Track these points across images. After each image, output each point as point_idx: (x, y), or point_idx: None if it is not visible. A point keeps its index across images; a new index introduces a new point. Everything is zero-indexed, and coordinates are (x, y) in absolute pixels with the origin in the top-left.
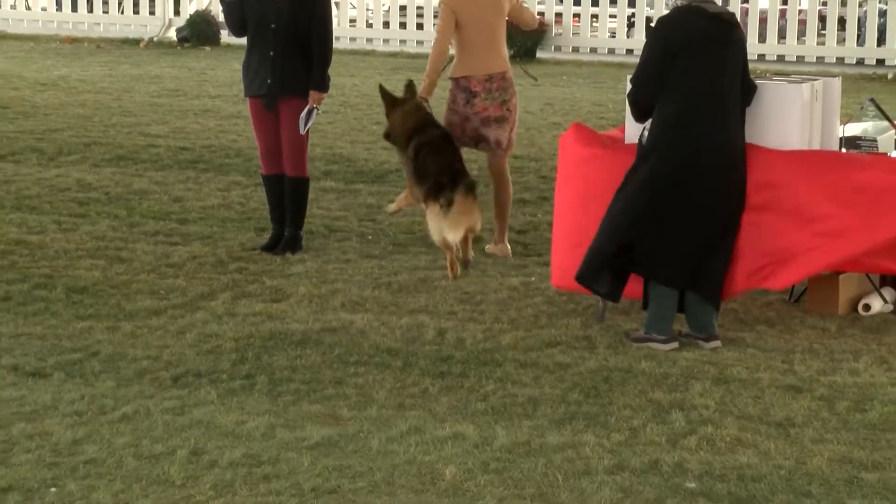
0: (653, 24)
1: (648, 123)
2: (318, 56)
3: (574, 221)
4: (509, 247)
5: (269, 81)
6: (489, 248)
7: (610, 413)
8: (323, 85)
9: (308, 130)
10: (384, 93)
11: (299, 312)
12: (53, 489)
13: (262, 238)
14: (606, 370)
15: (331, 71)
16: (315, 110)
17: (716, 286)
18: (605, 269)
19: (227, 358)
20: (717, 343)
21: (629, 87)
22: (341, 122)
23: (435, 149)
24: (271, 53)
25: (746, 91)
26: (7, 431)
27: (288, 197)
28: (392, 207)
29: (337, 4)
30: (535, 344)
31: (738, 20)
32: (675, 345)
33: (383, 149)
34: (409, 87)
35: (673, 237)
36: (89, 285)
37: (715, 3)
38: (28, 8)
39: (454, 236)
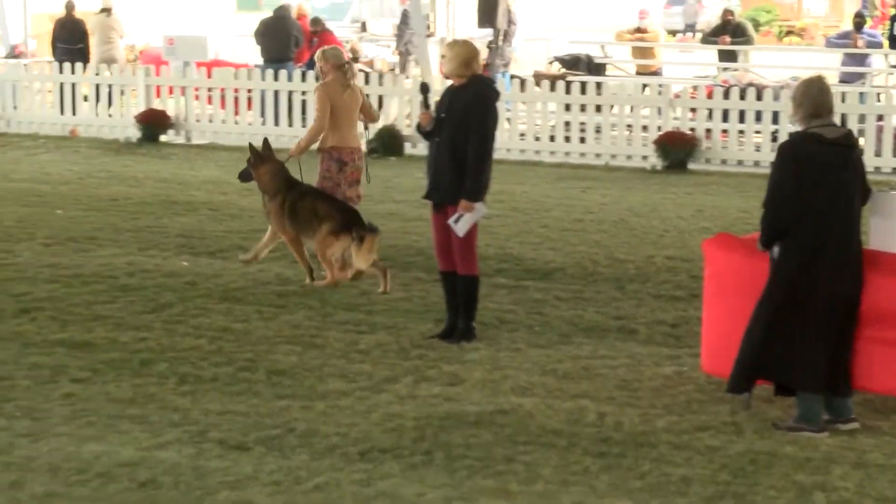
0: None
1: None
2: (471, 168)
3: (721, 314)
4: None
5: (433, 189)
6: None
7: (756, 493)
8: (472, 194)
9: (474, 232)
10: (252, 149)
11: (474, 395)
12: None
13: (441, 328)
14: (753, 453)
15: (502, 180)
16: (467, 215)
17: (849, 381)
18: (751, 379)
19: (409, 436)
20: (855, 424)
21: (763, 211)
22: (511, 224)
23: (321, 195)
24: (435, 164)
25: (864, 195)
26: (214, 499)
27: (460, 293)
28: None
29: (509, 120)
30: (687, 428)
31: (857, 140)
32: (826, 434)
33: (549, 249)
34: (266, 143)
35: (805, 346)
36: (287, 368)
37: (834, 126)
38: (236, 123)
39: (364, 264)
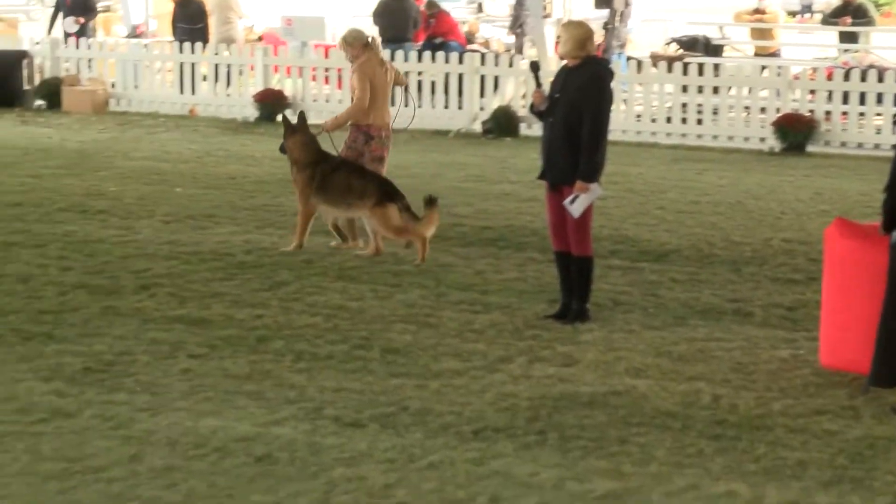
0: None
1: None
2: (586, 148)
3: (841, 306)
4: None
5: (547, 170)
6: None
7: (874, 478)
8: (587, 175)
9: (589, 212)
10: (284, 120)
11: (587, 376)
12: None
13: (555, 308)
14: (871, 438)
15: (617, 161)
16: (582, 196)
17: None
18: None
19: (522, 415)
20: None
21: (884, 196)
22: (627, 206)
23: (354, 169)
24: (549, 144)
25: None
26: (329, 475)
27: (574, 274)
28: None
29: (625, 101)
30: (803, 411)
31: None
32: None
33: (665, 231)
34: (301, 115)
35: None
36: (401, 347)
37: None
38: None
39: (428, 235)
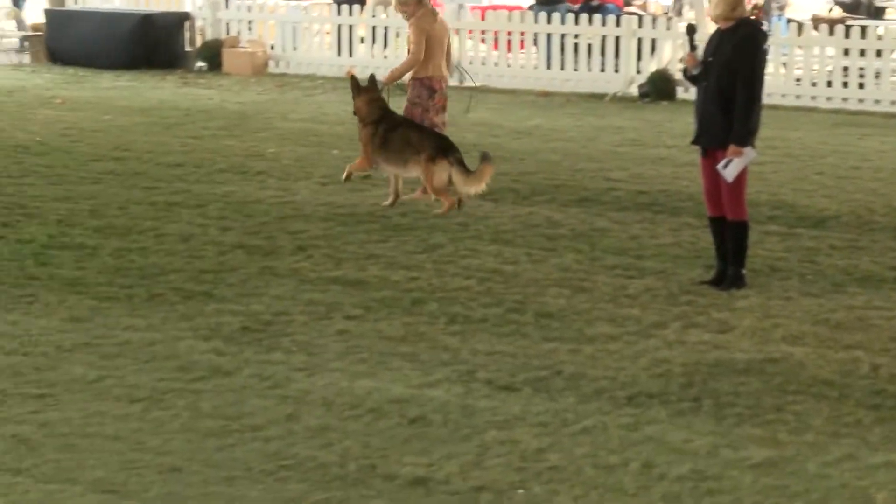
0: None
1: None
2: (739, 112)
3: None
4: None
5: (701, 134)
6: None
7: None
8: (740, 139)
9: (743, 177)
10: (353, 79)
11: (743, 343)
12: (521, 491)
13: (710, 274)
14: None
15: (776, 125)
16: (736, 160)
17: None
18: None
19: (676, 381)
20: None
21: None
22: (785, 171)
23: (413, 126)
24: (702, 108)
25: None
26: (482, 437)
27: (729, 239)
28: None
29: (784, 65)
30: None
31: None
32: None
33: (824, 196)
34: (372, 78)
35: None
36: (555, 311)
37: None
38: (508, 66)
39: (476, 190)
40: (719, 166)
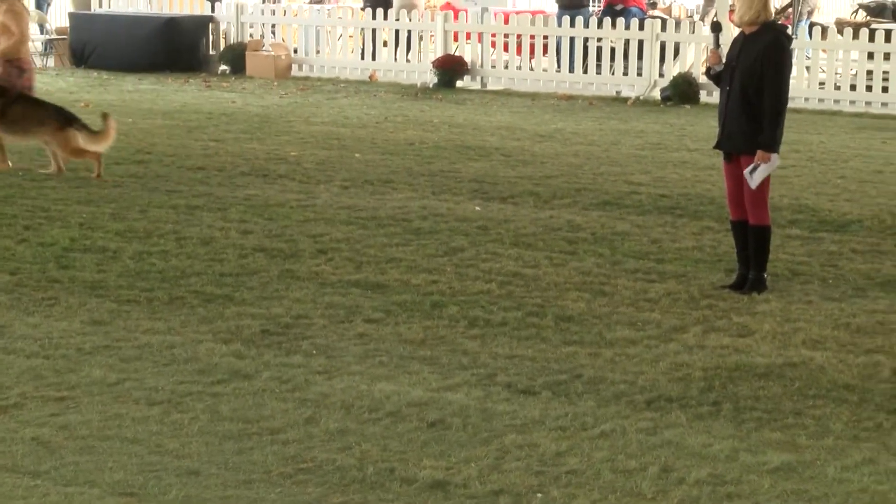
0: None
1: None
2: (768, 118)
3: None
4: None
5: (724, 138)
6: None
7: None
8: (769, 145)
9: (767, 181)
10: None
11: (763, 347)
12: (539, 495)
13: (731, 278)
14: None
15: (799, 129)
16: (763, 166)
17: None
18: None
19: (696, 385)
20: None
21: None
22: (807, 175)
23: (32, 99)
24: (727, 113)
25: None
26: (500, 441)
27: (751, 243)
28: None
29: (808, 69)
30: None
31: None
32: None
33: (846, 200)
34: None
35: None
36: (575, 315)
37: None
38: (531, 69)
39: (105, 146)
40: (746, 171)
